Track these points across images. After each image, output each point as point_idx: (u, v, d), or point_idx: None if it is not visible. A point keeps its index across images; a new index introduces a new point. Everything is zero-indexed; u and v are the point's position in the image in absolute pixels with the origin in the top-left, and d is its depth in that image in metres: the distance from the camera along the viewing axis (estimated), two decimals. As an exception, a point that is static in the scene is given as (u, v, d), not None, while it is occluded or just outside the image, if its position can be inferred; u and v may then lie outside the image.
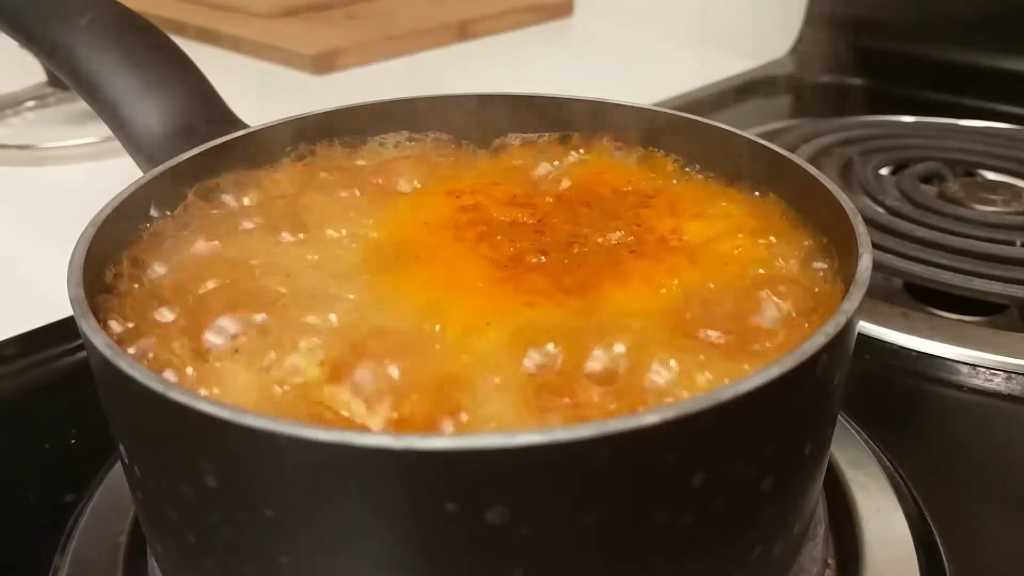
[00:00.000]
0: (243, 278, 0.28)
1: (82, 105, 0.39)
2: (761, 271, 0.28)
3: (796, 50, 0.88)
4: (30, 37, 0.39)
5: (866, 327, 0.43)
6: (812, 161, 0.57)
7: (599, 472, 0.19)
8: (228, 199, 0.33)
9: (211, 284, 0.27)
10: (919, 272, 0.45)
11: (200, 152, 0.33)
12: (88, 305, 0.23)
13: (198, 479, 0.21)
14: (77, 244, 0.26)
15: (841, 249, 0.28)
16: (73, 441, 0.37)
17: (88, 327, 0.22)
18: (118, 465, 0.34)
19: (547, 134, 0.38)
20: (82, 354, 0.24)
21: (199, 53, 0.39)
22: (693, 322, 0.26)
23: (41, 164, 0.66)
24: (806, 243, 0.30)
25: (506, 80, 0.86)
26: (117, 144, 0.38)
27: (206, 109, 0.38)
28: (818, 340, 0.21)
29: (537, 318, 0.26)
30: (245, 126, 0.36)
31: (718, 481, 0.21)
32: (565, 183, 0.34)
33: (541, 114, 0.38)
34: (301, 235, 0.30)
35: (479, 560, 0.20)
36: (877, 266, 0.45)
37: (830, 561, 0.31)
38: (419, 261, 0.29)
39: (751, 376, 0.20)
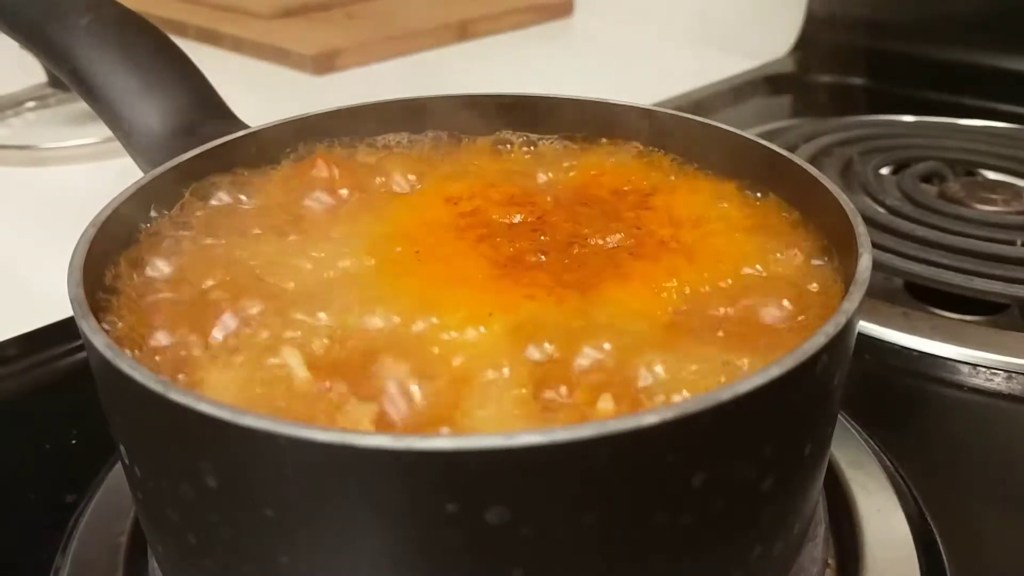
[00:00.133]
0: (243, 278, 0.28)
1: (82, 106, 0.39)
2: (761, 271, 0.28)
3: (796, 50, 0.88)
4: (30, 37, 0.39)
5: (866, 327, 0.43)
6: (812, 161, 0.57)
7: (599, 472, 0.19)
8: (228, 199, 0.33)
9: (211, 283, 0.27)
10: (920, 272, 0.45)
11: (200, 153, 0.33)
12: (88, 306, 0.23)
13: (198, 479, 0.21)
14: (77, 244, 0.26)
15: (841, 249, 0.28)
16: (74, 441, 0.37)
17: (88, 328, 0.22)
18: (118, 465, 0.34)
19: (547, 134, 0.38)
20: (82, 354, 0.24)
21: (199, 53, 0.39)
22: (692, 321, 0.26)
23: (41, 164, 0.66)
24: (806, 243, 0.30)
25: (506, 80, 0.86)
26: (117, 145, 0.38)
27: (206, 109, 0.38)
28: (818, 340, 0.21)
29: (537, 311, 0.26)
30: (245, 126, 0.36)
31: (718, 481, 0.21)
32: (565, 183, 0.34)
33: (541, 114, 0.38)
34: (301, 235, 0.30)
35: (479, 560, 0.20)
36: (877, 266, 0.45)
37: (830, 561, 0.31)
38: (419, 257, 0.29)
39: (751, 376, 0.20)
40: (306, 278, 0.28)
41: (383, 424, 0.22)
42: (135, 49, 0.37)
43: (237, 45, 0.94)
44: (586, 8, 1.08)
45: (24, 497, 0.35)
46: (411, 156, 0.37)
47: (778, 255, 0.29)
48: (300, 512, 0.20)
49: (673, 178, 0.35)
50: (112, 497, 0.33)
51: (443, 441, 0.18)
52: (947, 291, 0.44)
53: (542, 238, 0.30)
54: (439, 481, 0.19)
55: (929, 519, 0.32)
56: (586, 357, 0.24)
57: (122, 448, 0.24)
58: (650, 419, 0.19)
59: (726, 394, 0.19)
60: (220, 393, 0.23)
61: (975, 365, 0.41)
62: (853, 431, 0.36)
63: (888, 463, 0.35)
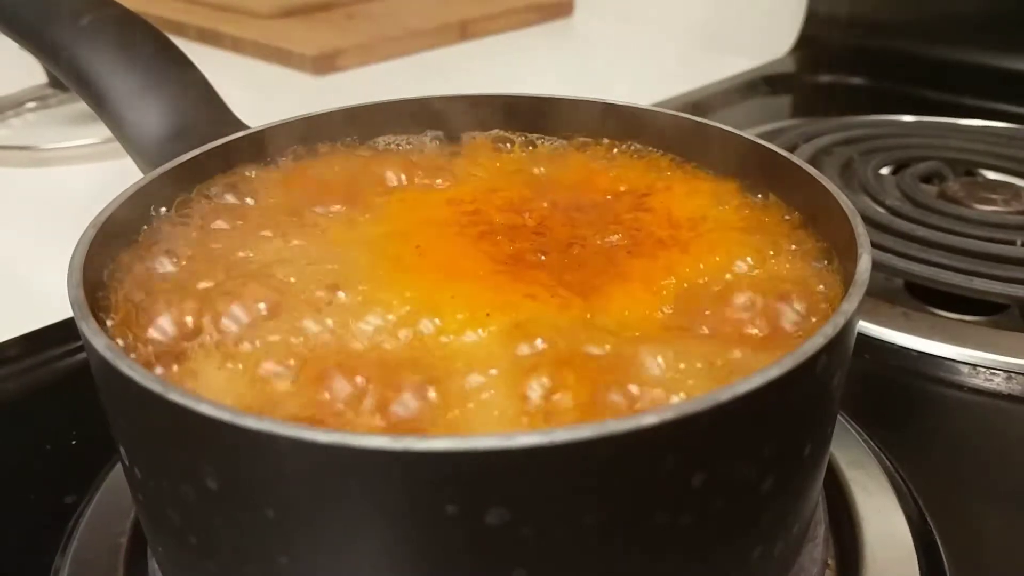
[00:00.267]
0: (243, 278, 0.28)
1: (83, 106, 0.39)
2: (760, 271, 0.28)
3: (796, 50, 0.88)
4: (29, 38, 0.39)
5: (866, 327, 0.43)
6: (812, 161, 0.57)
7: (599, 473, 0.19)
8: (229, 200, 0.33)
9: (210, 284, 0.27)
10: (919, 272, 0.45)
11: (200, 153, 0.33)
12: (88, 306, 0.23)
13: (198, 480, 0.21)
14: (77, 245, 0.26)
15: (840, 249, 0.28)
16: (74, 442, 0.37)
17: (88, 329, 0.22)
18: (119, 466, 0.34)
19: (546, 134, 0.38)
20: (83, 355, 0.24)
21: (199, 54, 0.40)
22: (691, 321, 0.26)
23: (42, 165, 0.66)
24: (805, 243, 0.30)
25: (506, 80, 0.86)
26: (117, 145, 0.38)
27: (206, 110, 0.38)
28: (817, 341, 0.21)
29: (538, 312, 0.26)
30: (245, 127, 0.36)
31: (718, 481, 0.21)
32: (564, 184, 0.34)
33: (541, 114, 0.38)
34: (301, 235, 0.30)
35: (479, 561, 0.20)
36: (877, 266, 0.45)
37: (830, 561, 0.31)
38: (420, 252, 0.29)
39: (750, 377, 0.20)
40: (306, 278, 0.28)
41: (389, 424, 0.22)
42: (135, 50, 0.37)
43: (237, 45, 0.94)
44: (586, 8, 1.08)
45: (24, 498, 0.35)
46: (411, 156, 0.37)
47: (777, 255, 0.29)
48: (300, 513, 0.20)
49: (672, 178, 0.35)
50: (112, 497, 0.33)
51: (443, 442, 0.18)
52: (947, 291, 0.44)
53: (542, 238, 0.30)
54: (439, 482, 0.19)
55: (929, 519, 0.32)
56: (586, 358, 0.24)
57: (122, 449, 0.24)
58: (649, 420, 0.19)
59: (726, 395, 0.19)
60: (216, 391, 0.23)
61: (975, 365, 0.41)
62: (853, 431, 0.36)
63: (888, 463, 0.35)
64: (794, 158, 0.31)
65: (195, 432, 0.20)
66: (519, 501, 0.19)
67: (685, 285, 0.28)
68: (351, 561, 0.20)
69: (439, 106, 0.38)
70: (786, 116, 0.79)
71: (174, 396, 0.19)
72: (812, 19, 0.87)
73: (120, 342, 0.25)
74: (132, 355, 0.25)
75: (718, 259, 0.29)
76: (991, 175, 0.61)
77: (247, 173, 0.34)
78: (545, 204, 0.33)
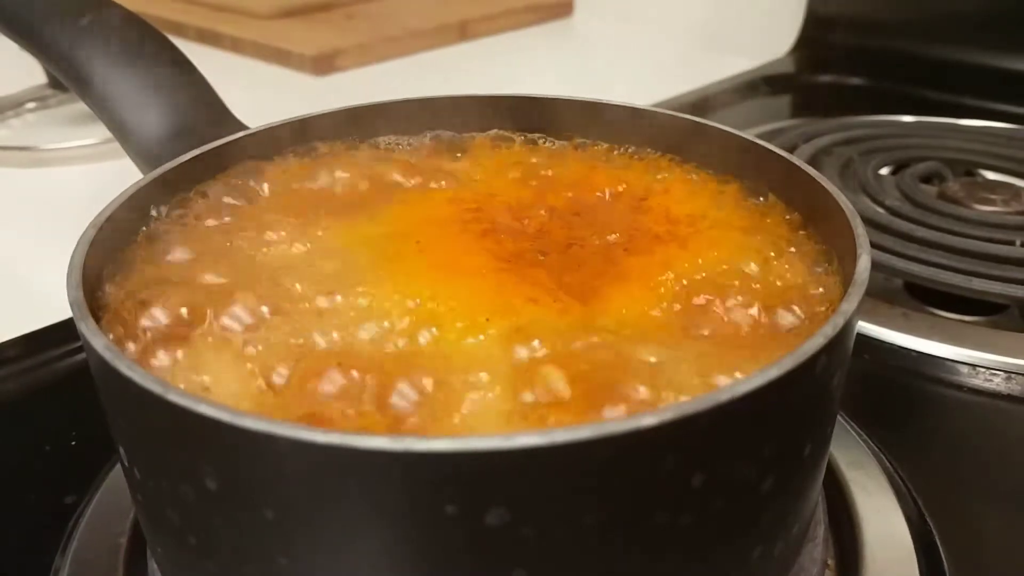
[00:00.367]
0: (242, 277, 0.28)
1: (82, 106, 0.39)
2: (759, 272, 0.28)
3: (796, 50, 0.88)
4: (29, 38, 0.39)
5: (866, 327, 0.43)
6: (811, 161, 0.58)
7: (598, 473, 0.19)
8: (228, 200, 0.33)
9: (210, 283, 0.27)
10: (919, 272, 0.45)
11: (199, 154, 0.33)
12: (88, 307, 0.23)
13: (198, 481, 0.21)
14: (77, 246, 0.26)
15: (840, 249, 0.28)
16: (74, 442, 0.37)
17: (87, 329, 0.22)
18: (118, 467, 0.34)
19: (545, 135, 0.38)
20: (82, 355, 0.24)
21: (199, 54, 0.40)
22: (690, 321, 0.26)
23: (41, 165, 0.66)
24: (805, 243, 0.30)
25: (506, 80, 0.86)
26: (117, 146, 0.38)
27: (205, 111, 0.38)
28: (817, 341, 0.21)
29: (539, 315, 0.26)
30: (245, 127, 0.36)
31: (717, 482, 0.21)
32: (563, 184, 0.34)
33: (540, 115, 0.38)
34: (300, 235, 0.30)
35: (479, 561, 0.20)
36: (877, 266, 0.45)
37: (830, 562, 0.31)
38: (420, 248, 0.29)
39: (750, 377, 0.20)
40: (306, 278, 0.28)
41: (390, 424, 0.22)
42: (134, 50, 0.37)
43: (237, 46, 0.94)
44: (586, 8, 1.08)
45: (24, 498, 0.35)
46: (411, 157, 0.37)
47: (777, 256, 0.29)
48: (300, 513, 0.20)
49: (672, 179, 0.35)
50: (112, 498, 0.33)
51: (442, 443, 0.18)
52: (946, 291, 0.44)
53: (542, 238, 0.30)
54: (439, 482, 0.19)
55: (928, 519, 0.32)
56: (585, 360, 0.24)
57: (122, 450, 0.24)
58: (649, 420, 0.19)
59: (725, 395, 0.19)
60: (213, 389, 0.23)
61: (974, 365, 0.41)
62: (852, 431, 0.36)
63: (887, 463, 0.35)
64: (794, 158, 0.31)
65: (194, 432, 0.20)
66: (519, 501, 0.19)
67: (684, 284, 0.28)
68: (351, 561, 0.20)
69: (439, 106, 0.38)
70: (786, 116, 0.79)
71: (173, 396, 0.19)
72: (812, 19, 0.87)
73: (114, 338, 0.25)
74: (130, 343, 0.25)
75: (717, 259, 0.29)
76: (991, 175, 0.61)
77: (246, 173, 0.34)
78: (545, 204, 0.33)
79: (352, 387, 0.23)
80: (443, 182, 0.35)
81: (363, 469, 0.19)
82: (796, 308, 0.27)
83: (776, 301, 0.27)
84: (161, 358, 0.24)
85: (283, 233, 0.31)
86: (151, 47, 0.38)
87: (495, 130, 0.38)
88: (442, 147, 0.37)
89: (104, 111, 0.37)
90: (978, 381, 0.40)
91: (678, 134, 0.35)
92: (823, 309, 0.27)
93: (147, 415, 0.21)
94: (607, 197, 0.33)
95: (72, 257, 0.25)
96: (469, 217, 0.32)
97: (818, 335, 0.21)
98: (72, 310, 0.23)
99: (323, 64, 0.88)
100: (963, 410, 0.39)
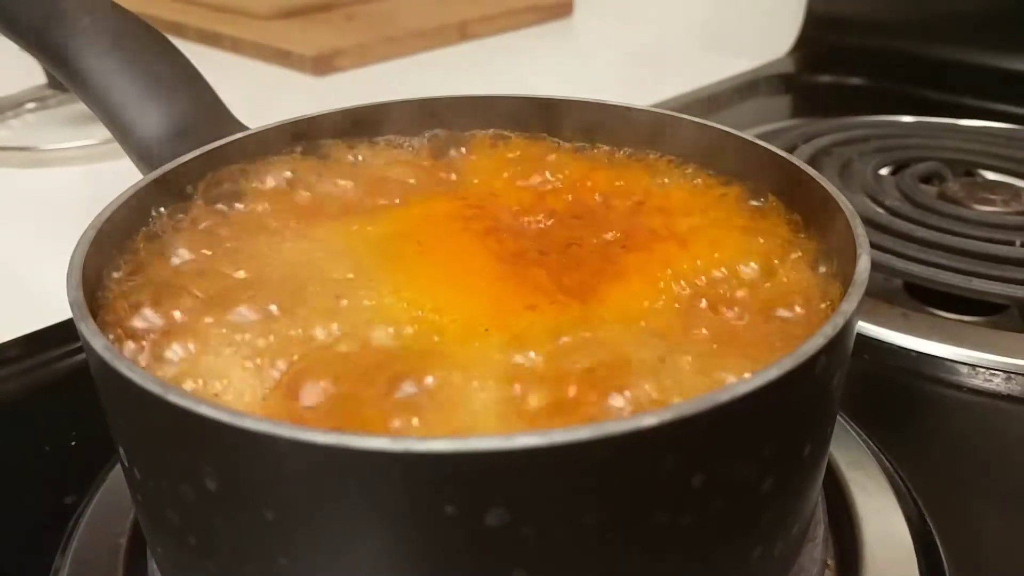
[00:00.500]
0: (241, 278, 0.28)
1: (82, 107, 0.39)
2: (759, 272, 0.28)
3: (796, 50, 0.88)
4: (29, 39, 0.39)
5: (866, 327, 0.43)
6: (811, 161, 0.58)
7: (598, 474, 0.19)
8: (228, 201, 0.33)
9: (210, 283, 0.27)
10: (919, 272, 0.45)
11: (199, 154, 0.33)
12: (87, 308, 0.23)
13: (198, 481, 0.21)
14: (77, 246, 0.26)
15: (840, 249, 0.28)
16: (74, 443, 0.37)
17: (87, 330, 0.22)
18: (118, 466, 0.34)
19: (545, 136, 0.38)
20: (82, 355, 0.24)
21: (198, 55, 0.40)
22: (689, 321, 0.26)
23: (41, 166, 0.66)
24: (804, 243, 0.30)
25: (506, 81, 0.86)
26: (117, 146, 0.38)
27: (205, 111, 0.38)
28: (816, 341, 0.21)
29: (538, 320, 0.26)
30: (244, 128, 0.36)
31: (717, 482, 0.21)
32: (562, 185, 0.34)
33: (539, 115, 0.38)
34: (300, 235, 0.31)
35: (479, 561, 0.20)
36: (877, 266, 0.45)
37: (830, 562, 0.31)
38: (421, 250, 0.29)
39: (750, 377, 0.20)
40: (306, 279, 0.28)
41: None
42: (134, 51, 0.37)
43: (236, 46, 0.94)
44: (586, 8, 1.08)
45: (24, 498, 0.35)
46: (411, 157, 0.37)
47: (776, 256, 0.29)
48: (300, 513, 0.20)
49: (671, 179, 0.35)
50: (112, 498, 0.33)
51: (442, 443, 0.18)
52: (946, 292, 0.44)
53: (541, 239, 0.30)
54: (438, 483, 0.19)
55: (928, 519, 0.32)
56: (584, 361, 0.24)
57: (121, 450, 0.24)
58: (648, 420, 0.19)
59: (725, 395, 0.19)
60: (213, 391, 0.23)
61: (974, 366, 0.41)
62: (852, 432, 0.36)
63: (887, 463, 0.35)
64: (793, 159, 0.31)
65: (194, 433, 0.20)
66: (519, 502, 0.19)
67: (683, 285, 0.28)
68: (350, 562, 0.20)
69: (438, 107, 0.38)
70: (786, 116, 0.79)
71: (173, 397, 0.19)
72: (812, 19, 0.87)
73: (114, 338, 0.25)
74: (129, 342, 0.25)
75: (717, 260, 0.29)
76: (990, 175, 0.61)
77: (246, 174, 0.34)
78: (545, 205, 0.33)
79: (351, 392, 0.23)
80: (443, 182, 0.35)
81: (363, 469, 0.19)
82: (796, 308, 0.27)
83: (776, 301, 0.27)
84: (160, 358, 0.25)
85: (283, 234, 0.31)
86: (151, 47, 0.38)
87: (495, 131, 0.38)
88: (442, 147, 0.37)
89: (104, 112, 0.37)
90: (978, 381, 0.40)
91: (678, 135, 0.35)
92: (823, 307, 0.27)
93: (147, 415, 0.21)
94: (606, 198, 0.33)
95: (72, 257, 0.25)
96: (470, 215, 0.32)
97: (818, 335, 0.21)
98: (72, 310, 0.23)
99: (323, 64, 0.88)
100: (963, 410, 0.39)
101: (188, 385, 0.24)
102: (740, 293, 0.27)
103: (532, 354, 0.24)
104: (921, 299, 0.46)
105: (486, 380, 0.23)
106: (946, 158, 0.61)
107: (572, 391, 0.23)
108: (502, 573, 0.20)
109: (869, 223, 0.49)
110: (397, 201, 0.33)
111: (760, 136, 0.33)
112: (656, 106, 0.37)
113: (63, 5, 0.38)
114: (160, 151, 0.35)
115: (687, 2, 0.97)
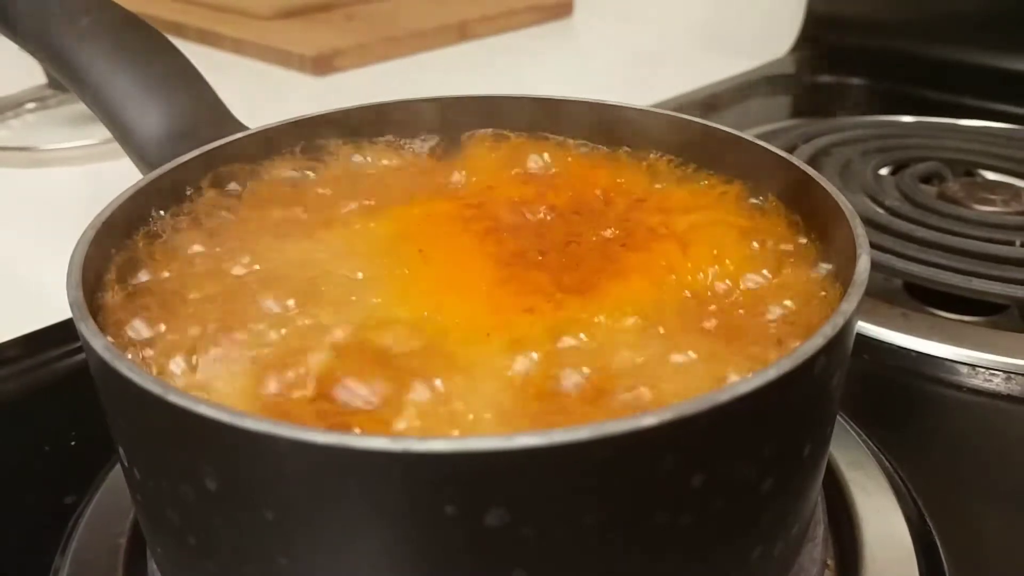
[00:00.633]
0: (241, 278, 0.28)
1: (82, 107, 0.39)
2: (759, 272, 0.28)
3: (796, 50, 0.88)
4: (29, 39, 0.39)
5: (865, 327, 0.43)
6: (811, 161, 0.58)
7: (598, 474, 0.19)
8: (228, 201, 0.33)
9: (210, 284, 0.27)
10: (919, 272, 0.45)
11: (199, 154, 0.33)
12: (87, 308, 0.23)
13: (197, 481, 0.21)
14: (77, 246, 0.26)
15: (839, 249, 0.28)
16: (73, 443, 0.37)
17: (87, 330, 0.22)
18: (118, 467, 0.34)
19: (545, 135, 0.38)
20: (82, 355, 0.24)
21: (198, 55, 0.40)
22: (689, 321, 0.26)
23: (41, 166, 0.66)
24: (804, 244, 0.30)
25: (506, 81, 0.86)
26: (117, 146, 0.38)
27: (205, 111, 0.38)
28: (816, 341, 0.21)
29: (537, 322, 0.26)
30: (244, 128, 0.36)
31: (717, 482, 0.21)
32: (562, 185, 0.34)
33: (539, 116, 0.38)
34: (300, 236, 0.31)
35: (479, 561, 0.20)
36: (877, 266, 0.45)
37: (829, 562, 0.31)
38: (423, 256, 0.29)
39: (750, 377, 0.20)
40: (306, 279, 0.28)
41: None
42: (134, 51, 0.37)
43: (237, 46, 0.94)
44: (586, 8, 1.08)
45: (24, 498, 0.35)
46: (411, 157, 0.37)
47: (776, 256, 0.29)
48: (300, 513, 0.20)
49: (670, 180, 0.35)
50: (112, 498, 0.33)
51: (442, 443, 0.18)
52: (946, 292, 0.44)
53: (541, 239, 0.30)
54: (438, 483, 0.19)
55: (928, 520, 0.32)
56: (584, 362, 0.24)
57: (121, 450, 0.24)
58: (648, 420, 0.19)
59: (725, 395, 0.19)
60: (213, 395, 0.23)
61: (974, 366, 0.41)
62: (852, 432, 0.36)
63: (887, 464, 0.35)
64: (793, 159, 0.31)
65: (194, 433, 0.20)
66: (519, 502, 0.19)
67: (682, 284, 0.28)
68: (350, 562, 0.20)
69: (439, 107, 0.38)
70: (786, 116, 0.79)
71: (173, 397, 0.19)
72: (812, 19, 0.87)
73: (113, 338, 0.25)
74: (128, 343, 0.25)
75: (716, 258, 0.29)
76: (990, 175, 0.61)
77: (246, 174, 0.34)
78: (543, 205, 0.33)
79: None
80: (443, 182, 0.35)
81: (363, 469, 0.19)
82: (796, 308, 0.27)
83: (776, 300, 0.27)
84: (160, 358, 0.25)
85: (283, 236, 0.31)
86: (151, 48, 0.38)
87: (494, 131, 0.38)
88: (442, 147, 0.37)
89: (104, 112, 0.37)
90: (978, 381, 0.40)
91: (678, 135, 0.35)
92: (823, 307, 0.27)
93: (147, 415, 0.21)
94: (606, 198, 0.33)
95: (72, 257, 0.25)
96: (470, 215, 0.32)
97: (817, 335, 0.21)
98: (72, 310, 0.23)
99: (323, 64, 0.88)
100: (963, 410, 0.39)
101: (188, 385, 0.24)
102: (740, 292, 0.27)
103: (533, 355, 0.24)
104: (921, 299, 0.46)
105: (486, 380, 0.23)
106: (946, 158, 0.61)
107: (572, 391, 0.23)
108: (502, 573, 0.20)
109: (869, 223, 0.49)
110: (398, 202, 0.33)
111: (760, 136, 0.33)
112: (656, 106, 0.37)
113: (64, 5, 0.38)
114: (160, 151, 0.35)
115: (687, 2, 0.97)
